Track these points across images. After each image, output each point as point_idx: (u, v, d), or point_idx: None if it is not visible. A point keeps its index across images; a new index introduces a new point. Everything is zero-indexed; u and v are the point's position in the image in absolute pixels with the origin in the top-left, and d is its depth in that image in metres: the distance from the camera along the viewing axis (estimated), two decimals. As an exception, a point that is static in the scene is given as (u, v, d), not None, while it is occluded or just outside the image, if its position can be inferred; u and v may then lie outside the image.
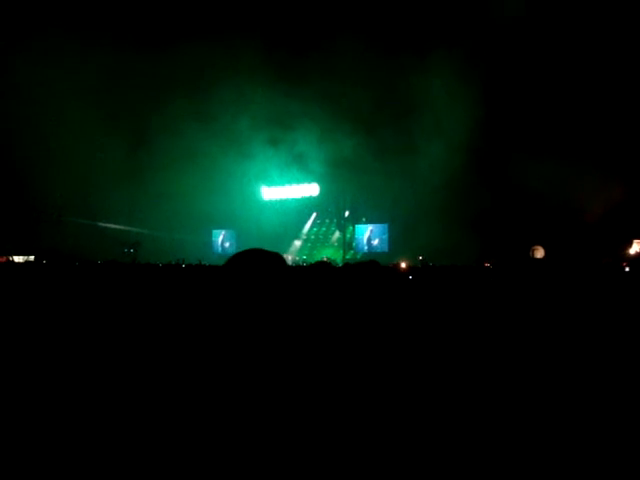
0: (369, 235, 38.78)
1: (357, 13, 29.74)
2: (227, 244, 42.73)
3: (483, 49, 27.64)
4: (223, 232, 42.81)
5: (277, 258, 2.65)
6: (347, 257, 38.08)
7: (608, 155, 24.90)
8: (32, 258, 29.55)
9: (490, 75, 27.44)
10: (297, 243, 40.50)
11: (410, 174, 30.33)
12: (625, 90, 25.51)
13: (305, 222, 40.86)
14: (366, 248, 38.53)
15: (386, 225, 37.75)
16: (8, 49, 29.27)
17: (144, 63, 30.13)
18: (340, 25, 29.85)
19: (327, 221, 40.74)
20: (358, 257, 37.66)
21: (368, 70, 30.59)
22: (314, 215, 40.74)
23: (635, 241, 26.28)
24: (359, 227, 39.25)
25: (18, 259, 30.79)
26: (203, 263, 26.56)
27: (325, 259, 36.32)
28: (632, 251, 25.99)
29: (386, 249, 37.42)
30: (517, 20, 26.59)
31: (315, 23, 30.46)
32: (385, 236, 37.95)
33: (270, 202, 40.46)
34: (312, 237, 41.02)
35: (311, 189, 39.35)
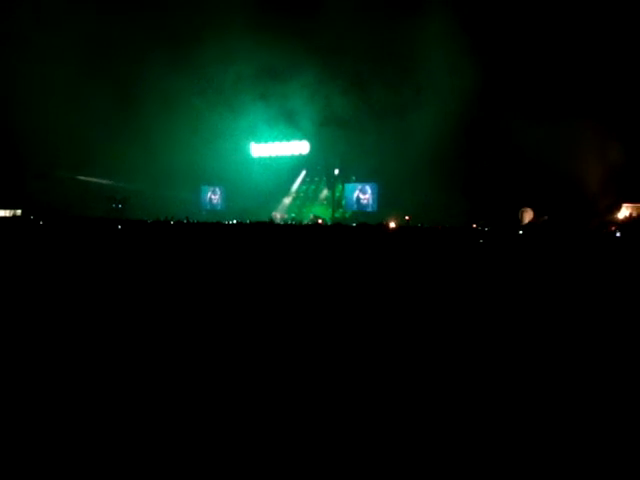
0: (358, 194, 38.70)
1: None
2: (215, 201, 42.62)
3: (477, 11, 27.20)
4: (212, 189, 42.60)
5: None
6: (336, 215, 38.15)
7: (599, 118, 24.82)
8: (19, 212, 29.34)
9: (484, 37, 27.06)
10: (286, 200, 40.39)
11: (401, 134, 30.18)
12: (618, 52, 25.31)
13: (294, 179, 40.64)
14: (355, 207, 38.51)
15: (375, 184, 37.66)
16: None
17: (131, 18, 29.47)
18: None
19: (317, 179, 40.51)
20: (347, 215, 37.76)
21: (361, 28, 30.04)
22: (303, 173, 40.50)
23: (624, 205, 26.43)
24: (348, 185, 39.11)
25: (4, 213, 30.58)
26: (191, 220, 26.57)
27: (312, 217, 36.40)
28: (621, 215, 26.17)
29: (375, 208, 37.42)
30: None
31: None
32: (374, 195, 37.90)
33: (259, 159, 40.13)
34: (301, 195, 40.85)
35: (301, 147, 39.02)
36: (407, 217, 29.88)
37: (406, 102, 30.15)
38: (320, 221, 34.20)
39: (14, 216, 29.23)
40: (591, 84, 25.42)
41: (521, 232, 14.44)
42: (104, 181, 36.65)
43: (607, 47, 25.38)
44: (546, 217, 27.02)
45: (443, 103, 28.18)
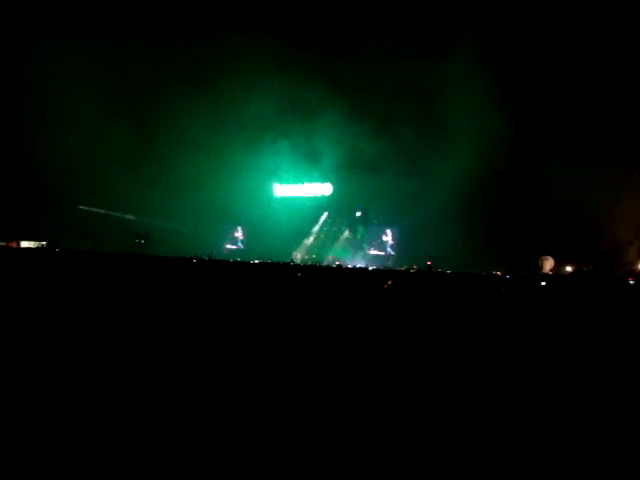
0: (379, 236, 38.74)
1: (383, 13, 29.56)
2: (238, 239, 42.78)
3: (508, 59, 27.45)
4: (234, 227, 42.80)
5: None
6: (357, 257, 38.13)
7: (624, 169, 24.64)
8: (44, 244, 29.83)
9: (509, 85, 27.25)
10: (307, 241, 40.48)
11: (423, 179, 30.39)
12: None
13: (316, 221, 40.83)
14: (376, 249, 38.50)
15: (396, 227, 37.70)
16: (15, 45, 29.51)
17: (159, 60, 30.27)
18: (362, 25, 29.73)
19: (338, 221, 40.67)
20: (368, 257, 37.71)
21: (386, 74, 30.51)
22: (325, 214, 40.71)
23: None
24: (370, 228, 39.22)
25: (27, 244, 31.12)
26: (213, 258, 26.75)
27: (331, 258, 36.45)
28: None
29: (395, 251, 37.45)
30: (543, 29, 26.54)
31: (338, 20, 30.30)
32: (395, 238, 37.92)
33: (282, 199, 40.50)
34: (322, 236, 40.94)
35: (324, 188, 39.39)
36: (429, 262, 29.78)
37: (430, 148, 30.38)
38: (338, 262, 34.21)
39: (39, 247, 29.77)
40: (617, 135, 25.36)
41: (544, 283, 14.33)
42: (128, 216, 37.15)
43: (634, 96, 25.44)
44: (569, 267, 26.82)
45: (467, 150, 28.31)
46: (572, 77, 26.60)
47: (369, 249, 38.73)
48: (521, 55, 27.36)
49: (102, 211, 36.33)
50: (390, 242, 38.01)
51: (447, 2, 28.89)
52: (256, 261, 25.93)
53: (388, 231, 38.14)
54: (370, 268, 24.96)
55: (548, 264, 27.49)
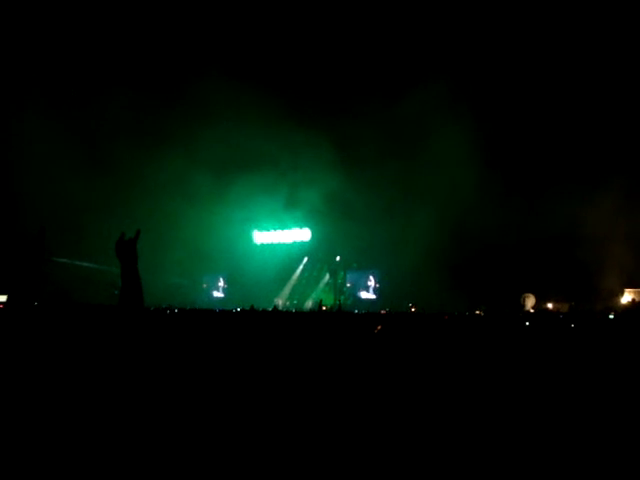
0: (359, 281, 38.86)
1: (353, 58, 30.15)
2: (219, 288, 42.54)
3: (476, 105, 28.12)
4: (215, 276, 42.57)
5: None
6: (337, 302, 38.04)
7: (599, 204, 25.04)
8: (3, 299, 28.95)
9: (482, 129, 27.79)
10: (288, 287, 40.46)
11: (401, 222, 30.62)
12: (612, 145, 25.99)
13: (296, 266, 40.90)
14: (357, 294, 38.55)
15: (376, 271, 37.85)
16: None
17: (137, 103, 30.19)
18: (341, 69, 30.30)
19: (318, 265, 40.78)
20: (349, 302, 37.60)
21: (363, 120, 31.00)
22: (305, 259, 40.82)
23: (627, 290, 26.43)
24: (350, 272, 39.35)
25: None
26: (195, 307, 26.49)
27: (310, 304, 36.32)
28: (624, 300, 26.14)
29: (376, 295, 37.50)
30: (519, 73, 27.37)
31: (312, 66, 30.92)
32: (376, 282, 38.03)
33: (262, 246, 40.61)
34: (303, 281, 40.97)
35: (303, 234, 39.61)
36: (411, 306, 29.80)
37: (408, 192, 30.75)
38: (324, 308, 34.11)
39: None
40: (590, 169, 25.88)
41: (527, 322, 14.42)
42: (106, 267, 36.50)
43: (602, 136, 26.13)
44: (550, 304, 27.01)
45: (444, 193, 28.72)
46: (537, 118, 27.32)
47: (359, 292, 38.63)
48: (490, 103, 28.05)
49: (77, 263, 35.67)
50: (371, 286, 38.10)
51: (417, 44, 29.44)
52: (238, 309, 25.67)
53: (368, 275, 38.27)
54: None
55: (530, 302, 27.67)
